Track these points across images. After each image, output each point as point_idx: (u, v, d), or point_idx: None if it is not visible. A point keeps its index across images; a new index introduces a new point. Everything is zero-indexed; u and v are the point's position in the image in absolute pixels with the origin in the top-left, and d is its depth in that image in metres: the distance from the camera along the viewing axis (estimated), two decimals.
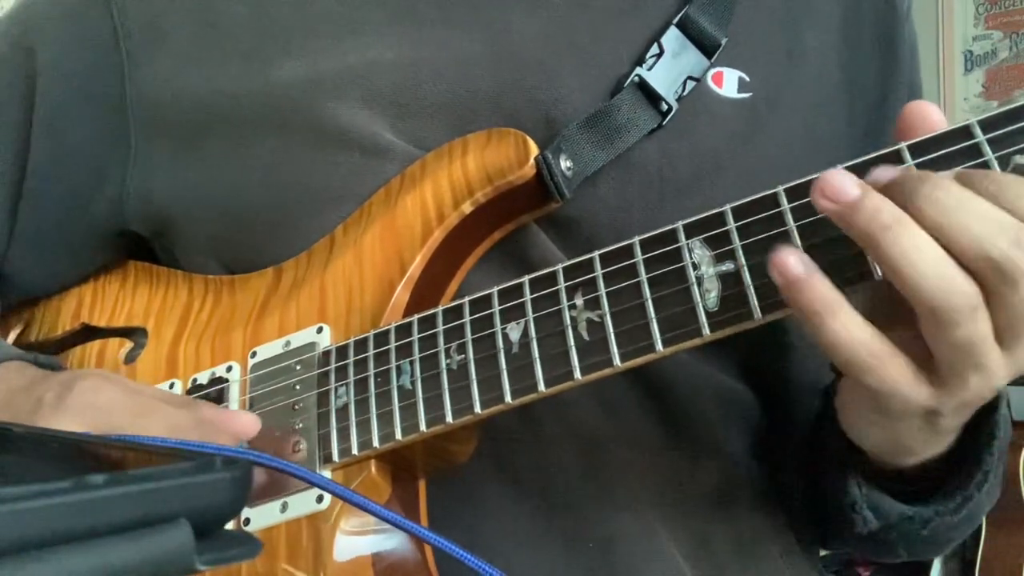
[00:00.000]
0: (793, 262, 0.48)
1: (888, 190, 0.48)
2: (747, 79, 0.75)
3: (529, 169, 0.65)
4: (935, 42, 3.57)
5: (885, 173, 0.49)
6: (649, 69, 0.71)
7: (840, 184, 0.48)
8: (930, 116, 0.53)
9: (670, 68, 0.72)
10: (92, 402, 0.60)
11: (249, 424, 0.64)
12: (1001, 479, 0.74)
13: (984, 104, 3.38)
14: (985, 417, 0.59)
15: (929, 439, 0.57)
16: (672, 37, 0.73)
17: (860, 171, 0.52)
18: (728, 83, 0.74)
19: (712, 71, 0.74)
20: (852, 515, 0.65)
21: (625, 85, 0.71)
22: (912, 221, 0.46)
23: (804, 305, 0.49)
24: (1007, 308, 0.47)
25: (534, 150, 0.66)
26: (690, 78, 0.72)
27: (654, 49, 0.72)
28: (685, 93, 0.72)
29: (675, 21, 0.73)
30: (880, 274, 0.49)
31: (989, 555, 2.89)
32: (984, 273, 0.46)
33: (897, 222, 0.46)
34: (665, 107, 0.71)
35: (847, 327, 0.49)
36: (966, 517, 0.65)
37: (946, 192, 0.46)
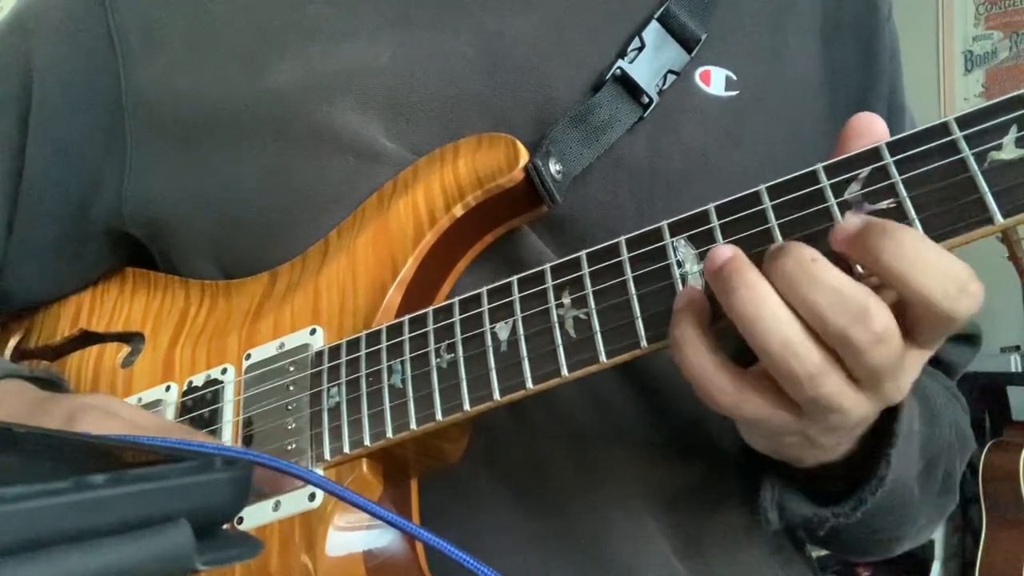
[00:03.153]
0: (679, 297, 0.53)
1: (765, 261, 0.50)
2: (734, 78, 0.75)
3: (519, 173, 0.66)
4: (935, 42, 3.58)
5: (771, 247, 0.51)
6: (631, 62, 0.72)
7: (717, 252, 0.51)
8: (873, 126, 0.54)
9: (651, 62, 0.72)
10: None
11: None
12: (947, 484, 0.76)
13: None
14: (891, 423, 0.61)
15: (812, 452, 0.58)
16: (653, 31, 0.74)
17: (840, 169, 0.53)
18: (716, 81, 0.75)
19: (700, 69, 0.75)
20: (759, 511, 0.68)
21: (607, 79, 0.71)
22: (764, 288, 0.49)
23: (671, 338, 0.53)
24: (859, 368, 0.49)
25: (524, 154, 0.67)
26: (671, 72, 0.73)
27: (635, 43, 0.73)
28: (666, 87, 0.73)
29: (656, 15, 0.74)
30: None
31: (989, 555, 2.89)
32: (830, 343, 0.49)
33: (745, 285, 0.49)
34: (646, 100, 0.72)
35: (699, 361, 0.52)
36: (875, 523, 0.67)
37: (796, 264, 0.48)
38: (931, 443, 0.70)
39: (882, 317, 0.48)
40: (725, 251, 0.51)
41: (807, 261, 0.48)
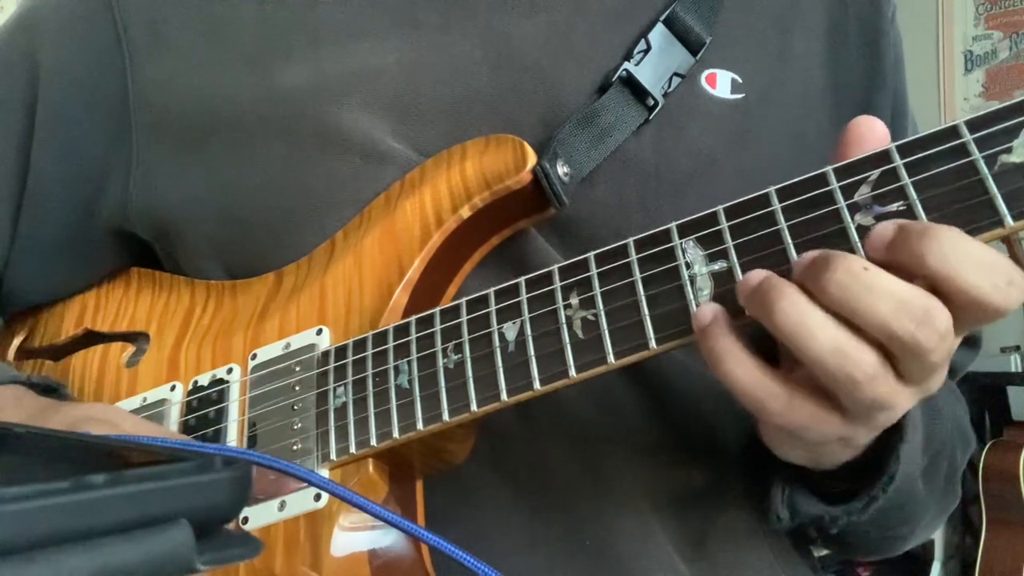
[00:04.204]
0: (704, 311, 0.52)
1: (803, 275, 0.50)
2: (739, 80, 0.75)
3: (526, 175, 0.66)
4: (935, 42, 3.57)
5: (803, 259, 0.51)
6: (637, 64, 0.72)
7: (748, 281, 0.51)
8: (875, 129, 0.54)
9: (657, 64, 0.73)
10: None
11: None
12: (950, 480, 0.76)
13: (984, 104, 3.38)
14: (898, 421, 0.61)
15: (843, 453, 0.59)
16: (659, 33, 0.74)
17: (850, 171, 0.53)
18: (721, 84, 0.75)
19: (706, 72, 0.75)
20: (767, 509, 0.68)
21: (613, 80, 0.71)
22: (803, 298, 0.49)
23: (705, 354, 0.52)
24: (914, 369, 0.49)
25: (531, 156, 0.67)
26: (676, 74, 0.73)
27: (641, 45, 0.73)
28: (671, 89, 0.73)
29: (662, 18, 0.74)
30: None
31: (989, 555, 2.90)
32: (890, 347, 0.49)
33: (786, 298, 0.49)
34: (651, 102, 0.72)
35: (743, 379, 0.51)
36: (884, 521, 0.67)
37: (849, 275, 0.48)
38: (934, 438, 0.71)
39: (943, 316, 0.48)
40: (758, 272, 0.51)
41: (859, 271, 0.48)
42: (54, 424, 0.62)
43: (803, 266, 0.50)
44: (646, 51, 0.73)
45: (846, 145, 0.54)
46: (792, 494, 0.67)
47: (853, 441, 0.55)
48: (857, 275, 0.48)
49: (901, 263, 0.48)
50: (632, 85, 0.71)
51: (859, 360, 0.48)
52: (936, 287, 0.48)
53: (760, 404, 0.51)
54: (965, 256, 0.47)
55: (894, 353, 0.49)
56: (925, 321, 0.47)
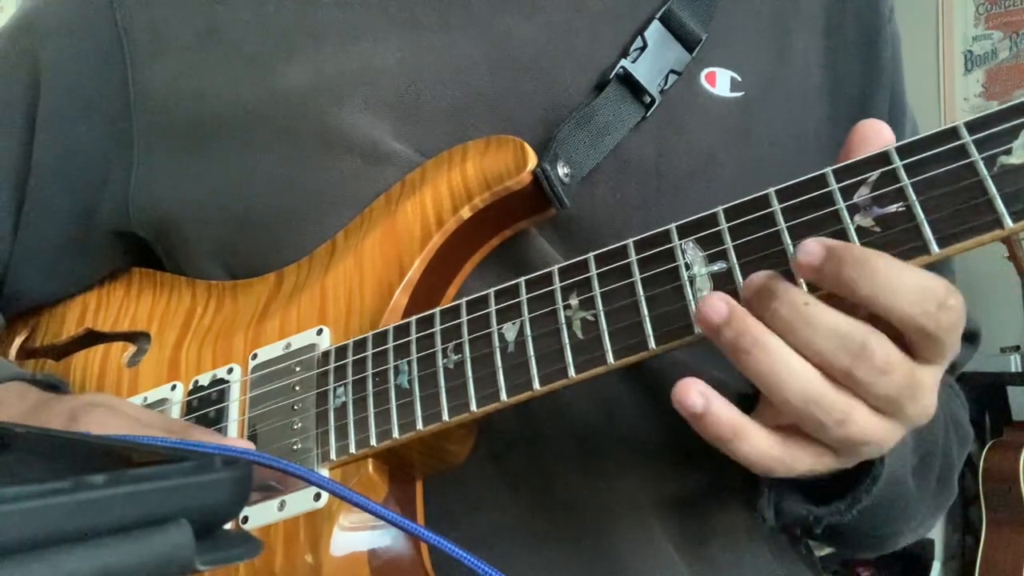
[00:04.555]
0: (693, 399, 0.51)
1: (751, 300, 0.51)
2: (739, 79, 0.75)
3: (526, 176, 0.66)
4: (935, 42, 3.57)
5: (753, 281, 0.51)
6: (633, 62, 0.72)
7: (708, 309, 0.51)
8: (880, 133, 0.54)
9: (653, 61, 0.73)
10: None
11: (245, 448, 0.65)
12: (945, 478, 0.76)
13: (984, 104, 3.39)
14: None
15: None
16: (655, 31, 0.74)
17: (849, 173, 0.53)
18: (721, 83, 0.75)
19: (705, 71, 0.75)
20: (758, 508, 0.69)
21: (610, 78, 0.72)
22: (774, 342, 0.50)
23: (711, 436, 0.52)
24: (875, 399, 0.50)
25: (532, 157, 0.67)
26: (673, 71, 0.73)
27: (638, 42, 0.73)
28: (668, 87, 0.73)
29: (658, 15, 0.74)
30: None
31: (989, 555, 2.90)
32: (841, 380, 0.49)
33: (756, 345, 0.50)
34: (648, 99, 0.72)
35: (755, 447, 0.52)
36: (871, 520, 0.68)
37: (791, 309, 0.49)
38: (925, 438, 0.71)
39: (880, 350, 0.48)
40: (719, 308, 0.51)
41: (800, 305, 0.49)
42: (55, 413, 0.62)
43: (751, 291, 0.51)
44: (642, 48, 0.73)
45: (850, 147, 0.55)
46: (779, 494, 0.68)
47: (850, 462, 0.56)
48: (798, 309, 0.49)
49: (834, 290, 0.49)
50: (629, 83, 0.72)
51: (828, 405, 0.49)
52: (873, 315, 0.49)
53: (770, 471, 0.53)
54: (895, 284, 0.47)
55: (847, 386, 0.50)
56: (860, 356, 0.48)
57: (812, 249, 0.49)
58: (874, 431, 0.51)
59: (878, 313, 0.48)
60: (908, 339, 0.49)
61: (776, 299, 0.49)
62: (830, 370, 0.49)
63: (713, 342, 0.52)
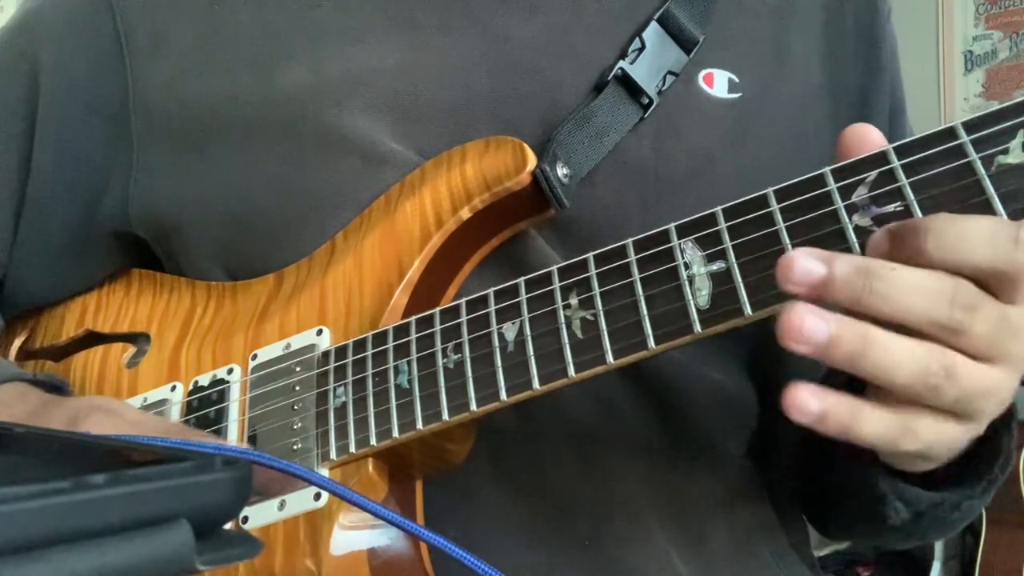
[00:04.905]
0: (810, 404, 0.50)
1: (835, 286, 0.49)
2: (737, 80, 0.75)
3: (525, 177, 0.66)
4: (935, 42, 3.57)
5: (843, 265, 0.49)
6: (631, 63, 0.72)
7: (811, 326, 0.49)
8: (868, 137, 0.54)
9: (651, 62, 0.73)
10: None
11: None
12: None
13: (984, 104, 3.38)
14: None
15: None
16: (653, 32, 0.74)
17: (847, 173, 0.53)
18: (719, 84, 0.75)
19: (703, 72, 0.75)
20: (882, 508, 0.66)
21: (608, 79, 0.72)
22: (875, 335, 0.48)
23: (834, 429, 0.50)
24: (971, 347, 0.49)
25: (531, 158, 0.67)
26: (670, 72, 0.73)
27: (636, 44, 0.73)
28: (665, 88, 0.73)
29: (656, 17, 0.74)
30: None
31: (989, 555, 2.89)
32: (942, 336, 0.48)
33: (864, 342, 0.48)
34: (646, 100, 0.72)
35: (877, 425, 0.50)
36: (990, 496, 0.66)
37: (882, 279, 0.48)
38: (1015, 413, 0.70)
39: (966, 288, 0.48)
40: (819, 325, 0.49)
41: (889, 272, 0.48)
42: (56, 416, 0.62)
43: (840, 277, 0.49)
44: (640, 49, 0.73)
45: (842, 152, 0.55)
46: (896, 489, 0.65)
47: (973, 436, 0.55)
48: (889, 278, 0.48)
49: (907, 263, 0.48)
50: (627, 83, 0.72)
51: (933, 364, 0.48)
52: (952, 271, 0.48)
53: (893, 446, 0.51)
54: (961, 238, 0.47)
55: (948, 341, 0.48)
56: (955, 300, 0.47)
57: (879, 238, 0.49)
58: (985, 379, 0.50)
59: (957, 271, 0.47)
60: (989, 285, 0.48)
61: (868, 275, 0.48)
62: (929, 328, 0.48)
63: (825, 361, 0.50)
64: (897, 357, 0.48)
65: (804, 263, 0.49)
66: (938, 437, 0.52)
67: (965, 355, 0.49)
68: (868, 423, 0.50)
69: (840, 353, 0.48)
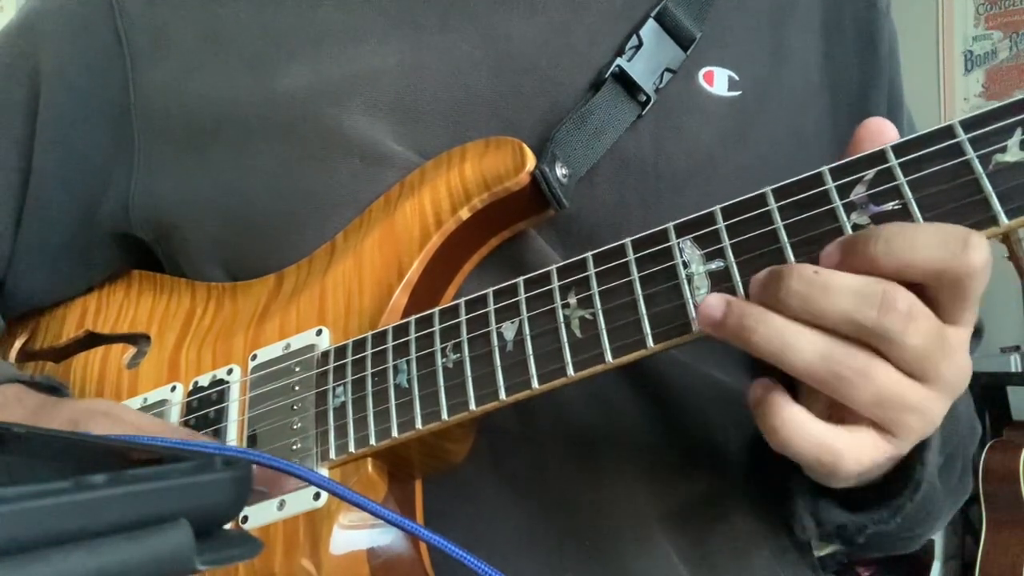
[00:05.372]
0: (712, 304, 0.52)
1: (760, 294, 0.51)
2: (736, 78, 0.76)
3: (525, 177, 0.66)
4: (935, 42, 3.58)
5: (758, 276, 0.52)
6: (629, 60, 0.72)
7: (706, 308, 0.52)
8: (885, 132, 0.54)
9: (649, 60, 0.73)
10: None
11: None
12: (963, 475, 0.75)
13: (984, 104, 3.38)
14: None
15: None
16: (650, 29, 0.74)
17: (846, 171, 0.53)
18: (719, 82, 0.75)
19: (703, 70, 0.75)
20: (793, 520, 0.67)
21: (606, 77, 0.72)
22: (775, 317, 0.50)
23: (731, 335, 0.52)
24: (907, 356, 0.49)
25: (531, 158, 0.67)
26: (668, 70, 0.73)
27: (633, 41, 0.74)
28: (663, 85, 0.73)
29: (653, 14, 0.75)
30: None
31: (989, 555, 2.89)
32: (866, 339, 0.49)
33: (760, 321, 0.50)
34: (643, 97, 0.72)
35: (811, 435, 0.51)
36: (907, 524, 0.66)
37: (804, 281, 0.49)
38: (951, 438, 0.70)
39: (902, 295, 0.48)
40: (715, 304, 0.52)
41: (811, 275, 0.49)
42: (56, 419, 0.62)
43: (758, 285, 0.51)
44: (638, 47, 0.73)
45: (856, 146, 0.54)
46: (813, 504, 0.66)
47: (897, 457, 0.55)
48: (811, 279, 0.49)
49: (858, 271, 0.49)
50: (624, 81, 0.72)
51: (846, 358, 0.49)
52: (905, 281, 0.48)
53: (831, 465, 0.52)
54: (911, 241, 0.47)
55: (875, 346, 0.49)
56: (884, 304, 0.48)
57: (829, 249, 0.50)
58: (909, 391, 0.50)
59: (907, 276, 0.48)
60: (936, 298, 0.49)
61: (785, 277, 0.49)
62: (856, 332, 0.48)
63: (720, 338, 0.52)
64: (793, 341, 0.49)
65: (711, 300, 0.53)
66: (873, 460, 0.52)
67: (895, 367, 0.49)
68: (802, 433, 0.51)
69: (729, 330, 0.51)
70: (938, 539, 3.17)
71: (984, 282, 0.49)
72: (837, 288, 0.48)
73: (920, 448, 0.59)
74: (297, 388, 0.67)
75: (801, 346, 0.49)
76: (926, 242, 0.47)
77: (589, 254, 0.59)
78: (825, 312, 0.49)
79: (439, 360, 0.61)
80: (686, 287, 0.55)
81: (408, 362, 0.63)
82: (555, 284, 0.59)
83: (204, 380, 0.72)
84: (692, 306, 0.54)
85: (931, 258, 0.47)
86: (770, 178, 0.55)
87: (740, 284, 0.54)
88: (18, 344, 0.87)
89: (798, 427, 0.51)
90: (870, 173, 0.52)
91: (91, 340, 0.83)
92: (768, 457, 0.75)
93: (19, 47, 0.83)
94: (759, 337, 0.50)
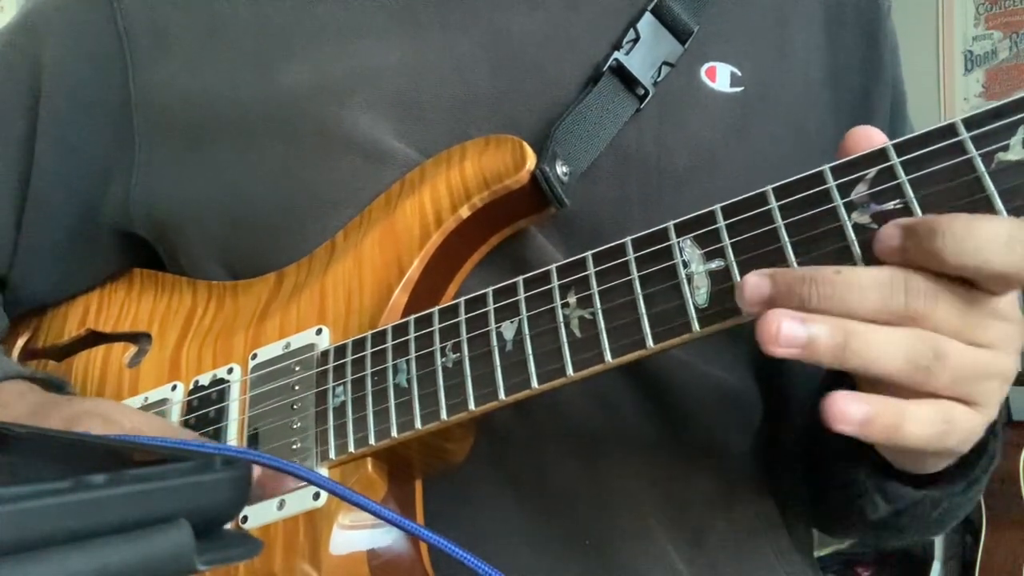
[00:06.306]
0: (853, 410, 0.49)
1: (782, 297, 0.50)
2: (739, 74, 0.75)
3: (524, 175, 0.66)
4: (935, 42, 3.57)
5: (775, 277, 0.51)
6: (627, 54, 0.72)
7: (788, 330, 0.49)
8: (872, 139, 0.53)
9: (646, 53, 0.73)
10: None
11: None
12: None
13: (984, 104, 3.39)
14: None
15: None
16: (647, 22, 0.74)
17: (847, 170, 0.53)
18: (721, 78, 0.75)
19: (706, 66, 0.75)
20: (861, 502, 0.66)
21: (604, 71, 0.72)
22: (853, 327, 0.49)
23: (881, 433, 0.50)
24: (949, 322, 0.49)
25: (531, 156, 0.67)
26: (666, 63, 0.73)
27: (631, 34, 0.73)
28: (661, 78, 0.73)
29: (650, 7, 0.75)
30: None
31: (989, 555, 2.89)
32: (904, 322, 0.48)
33: (844, 334, 0.49)
34: (642, 91, 0.72)
35: (922, 420, 0.50)
36: (973, 496, 0.66)
37: (826, 283, 0.49)
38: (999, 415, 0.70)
39: (919, 278, 0.48)
40: (796, 329, 0.49)
41: (833, 275, 0.49)
42: (54, 418, 0.62)
43: (775, 289, 0.50)
44: (635, 40, 0.73)
45: (844, 153, 0.54)
46: (883, 484, 0.65)
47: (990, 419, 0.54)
48: (834, 280, 0.49)
49: (920, 264, 0.48)
50: (622, 75, 0.72)
51: (923, 349, 0.48)
52: (968, 280, 0.48)
53: (937, 442, 0.51)
54: (981, 241, 0.46)
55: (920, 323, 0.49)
56: (908, 288, 0.48)
57: (890, 232, 0.49)
58: (976, 358, 0.49)
59: (968, 276, 0.47)
60: (994, 288, 0.48)
61: (807, 282, 0.49)
62: (891, 320, 0.48)
63: (793, 356, 0.50)
64: (881, 345, 0.48)
65: (752, 279, 0.51)
66: (972, 431, 0.52)
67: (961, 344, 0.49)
68: (914, 422, 0.49)
69: (823, 349, 0.49)
70: (938, 539, 3.17)
71: None
72: (862, 282, 0.48)
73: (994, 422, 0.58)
74: (297, 387, 0.67)
75: (888, 350, 0.48)
76: (997, 247, 0.46)
77: (589, 253, 0.59)
78: (859, 306, 0.48)
79: (438, 360, 0.61)
80: (686, 286, 0.55)
81: (407, 362, 0.62)
82: (555, 283, 0.59)
83: (204, 379, 0.72)
84: (692, 306, 0.54)
85: (1002, 263, 0.46)
86: (772, 175, 0.55)
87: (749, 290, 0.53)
88: (21, 343, 0.87)
89: (913, 419, 0.50)
90: (871, 171, 0.52)
91: (93, 339, 0.83)
92: (811, 449, 0.75)
93: (20, 46, 0.83)
94: (851, 353, 0.49)
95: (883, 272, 0.48)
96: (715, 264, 0.54)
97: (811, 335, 0.48)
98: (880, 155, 0.52)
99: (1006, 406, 3.12)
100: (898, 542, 0.75)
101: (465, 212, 0.68)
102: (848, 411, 0.48)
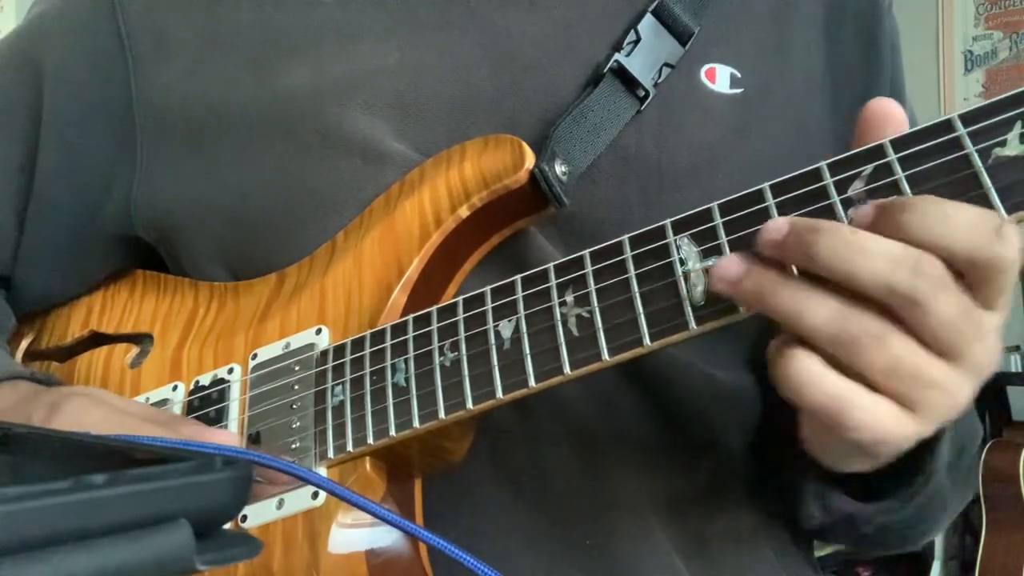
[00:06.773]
0: (731, 265, 0.52)
1: (786, 243, 0.50)
2: (738, 75, 0.75)
3: (524, 175, 0.66)
4: (935, 42, 3.58)
5: (776, 225, 0.51)
6: (627, 55, 0.72)
7: (724, 268, 0.51)
8: (892, 114, 0.53)
9: (647, 54, 0.73)
10: (78, 423, 0.61)
11: (229, 441, 0.65)
12: (969, 472, 0.75)
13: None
14: None
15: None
16: (648, 24, 0.74)
17: (844, 167, 0.53)
18: (720, 79, 0.75)
19: (706, 67, 0.75)
20: (801, 509, 0.67)
21: (604, 72, 0.72)
22: (789, 281, 0.50)
23: (820, 406, 0.50)
24: (931, 325, 0.48)
25: (529, 156, 0.67)
26: (667, 65, 0.73)
27: (631, 36, 0.73)
28: (661, 80, 0.73)
29: (651, 8, 0.75)
30: None
31: (989, 555, 2.89)
32: (891, 302, 0.48)
33: (778, 283, 0.50)
34: (642, 93, 0.72)
35: (870, 410, 0.50)
36: (915, 516, 0.66)
37: (841, 240, 0.48)
38: (960, 433, 0.70)
39: (937, 264, 0.47)
40: (733, 265, 0.52)
41: (849, 235, 0.48)
42: (39, 404, 0.63)
43: (792, 234, 0.50)
44: (636, 42, 0.73)
45: (864, 128, 0.54)
46: (824, 493, 0.66)
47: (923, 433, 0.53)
48: (848, 239, 0.48)
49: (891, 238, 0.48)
50: (623, 76, 0.72)
51: (859, 320, 0.48)
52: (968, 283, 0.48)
53: (882, 437, 0.50)
54: (947, 220, 0.47)
55: (901, 315, 0.48)
56: (918, 270, 0.47)
57: (865, 209, 0.49)
58: (928, 365, 0.49)
59: (939, 254, 0.47)
60: (968, 281, 0.48)
61: (823, 233, 0.48)
62: (886, 296, 0.48)
63: (729, 295, 0.52)
64: (808, 302, 0.49)
65: (773, 223, 0.51)
66: (874, 418, 0.50)
67: (918, 340, 0.49)
68: (860, 408, 0.49)
69: (744, 289, 0.51)
70: (938, 539, 3.17)
71: (1015, 272, 0.48)
72: (873, 250, 0.47)
73: (931, 438, 0.58)
74: (296, 387, 0.67)
75: (815, 308, 0.48)
76: (958, 225, 0.47)
77: (586, 252, 0.59)
78: (858, 273, 0.48)
79: (436, 359, 0.61)
80: (683, 284, 0.55)
81: (406, 361, 0.63)
82: (552, 282, 0.59)
83: (205, 379, 0.72)
84: (689, 304, 0.54)
85: (960, 243, 0.47)
86: (772, 175, 0.55)
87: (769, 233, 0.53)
88: (24, 344, 0.88)
89: (813, 375, 0.49)
90: (868, 168, 0.52)
91: (95, 340, 0.83)
92: (775, 451, 0.76)
93: (22, 48, 0.84)
94: (776, 299, 0.49)
95: (898, 245, 0.48)
96: (712, 262, 0.54)
97: (743, 271, 0.51)
98: (877, 151, 0.52)
99: (1006, 406, 3.12)
100: (876, 552, 0.75)
101: (464, 212, 0.68)
102: (727, 267, 0.52)
